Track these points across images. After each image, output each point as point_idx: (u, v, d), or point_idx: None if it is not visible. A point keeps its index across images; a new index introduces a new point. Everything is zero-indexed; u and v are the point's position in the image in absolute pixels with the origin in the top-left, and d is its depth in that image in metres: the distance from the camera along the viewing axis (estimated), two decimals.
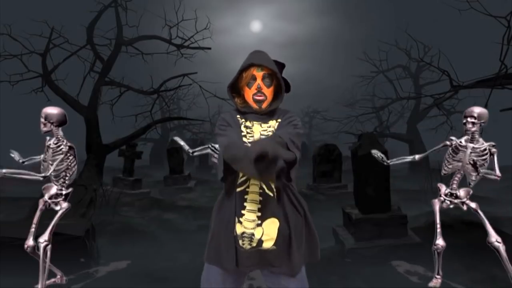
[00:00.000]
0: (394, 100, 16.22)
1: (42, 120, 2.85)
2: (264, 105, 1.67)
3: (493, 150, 2.84)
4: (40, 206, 2.92)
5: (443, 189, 3.04)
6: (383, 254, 4.43)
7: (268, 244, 1.51)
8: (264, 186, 1.54)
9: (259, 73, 1.63)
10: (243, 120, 1.67)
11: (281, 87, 1.71)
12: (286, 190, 1.60)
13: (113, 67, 9.68)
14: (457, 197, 2.95)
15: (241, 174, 1.57)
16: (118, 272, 4.26)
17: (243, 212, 1.52)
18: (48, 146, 2.91)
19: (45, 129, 2.86)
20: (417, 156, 3.20)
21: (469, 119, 2.81)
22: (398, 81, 15.08)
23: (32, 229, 2.84)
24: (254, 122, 1.65)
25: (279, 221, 1.53)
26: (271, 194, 1.54)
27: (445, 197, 2.98)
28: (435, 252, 2.87)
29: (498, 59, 5.67)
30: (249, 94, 1.66)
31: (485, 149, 2.83)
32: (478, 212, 2.82)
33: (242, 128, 1.63)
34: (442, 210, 3.00)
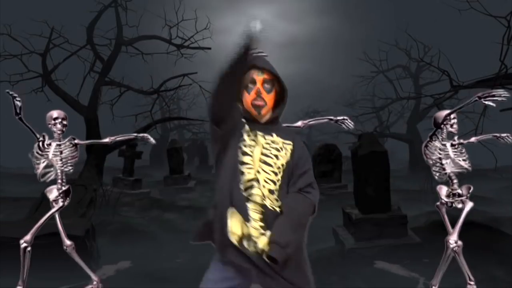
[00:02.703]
0: (394, 100, 16.22)
1: (65, 122, 2.99)
2: (263, 112, 1.57)
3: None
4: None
5: (443, 191, 3.02)
6: (383, 254, 4.43)
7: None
8: (265, 201, 1.48)
9: (259, 77, 1.55)
10: (249, 129, 1.57)
11: (282, 95, 1.62)
12: None
13: (113, 67, 9.68)
14: (460, 195, 2.95)
15: (246, 176, 1.50)
16: (118, 272, 4.26)
17: (250, 217, 1.46)
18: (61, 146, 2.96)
19: (64, 129, 2.99)
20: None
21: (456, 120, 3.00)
22: (398, 81, 15.14)
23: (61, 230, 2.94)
24: (258, 133, 1.56)
25: None
26: (273, 211, 1.49)
27: (446, 199, 2.97)
28: (455, 253, 2.77)
29: (498, 59, 5.67)
30: (247, 99, 1.57)
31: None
32: (462, 210, 2.83)
33: (245, 136, 1.54)
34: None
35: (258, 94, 1.55)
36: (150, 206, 8.16)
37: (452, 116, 2.99)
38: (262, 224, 1.46)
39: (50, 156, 2.94)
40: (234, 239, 1.46)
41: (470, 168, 2.93)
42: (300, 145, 1.63)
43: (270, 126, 1.61)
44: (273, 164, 1.52)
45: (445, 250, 2.78)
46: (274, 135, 1.58)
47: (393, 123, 18.31)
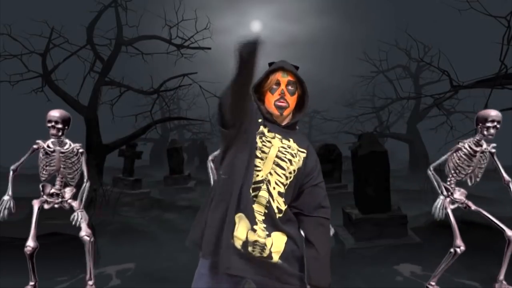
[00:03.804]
0: (394, 100, 16.21)
1: (60, 125, 2.84)
2: (285, 113, 1.59)
3: (493, 151, 2.85)
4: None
5: (458, 193, 2.98)
6: (383, 254, 4.43)
7: (275, 257, 1.47)
8: (270, 200, 1.49)
9: (284, 79, 1.58)
10: (265, 128, 1.58)
11: (303, 98, 1.64)
12: (291, 218, 1.56)
13: (113, 67, 9.70)
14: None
15: (255, 176, 1.50)
16: (118, 272, 4.26)
17: (256, 221, 1.46)
18: (63, 153, 2.92)
19: (60, 133, 2.86)
20: None
21: (496, 124, 2.71)
22: (398, 81, 15.10)
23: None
24: (276, 135, 1.58)
25: (286, 237, 1.50)
26: (275, 210, 1.50)
27: (455, 200, 2.96)
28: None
29: (498, 59, 5.68)
30: (270, 100, 1.58)
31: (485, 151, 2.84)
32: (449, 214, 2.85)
33: (257, 139, 1.54)
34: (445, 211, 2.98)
35: (281, 95, 1.57)
36: (150, 206, 8.16)
37: (491, 118, 2.72)
38: (265, 225, 1.47)
39: (58, 165, 2.93)
40: (238, 244, 1.44)
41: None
42: (313, 156, 1.65)
43: (288, 131, 1.63)
44: (286, 168, 1.53)
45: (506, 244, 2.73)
46: (291, 140, 1.61)
47: (393, 123, 18.29)
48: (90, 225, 2.89)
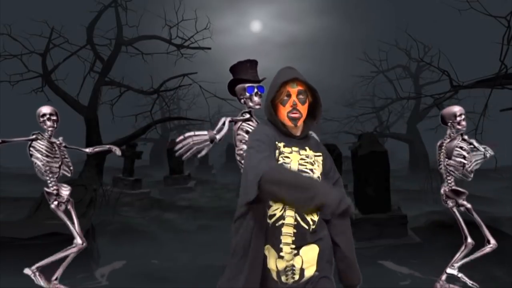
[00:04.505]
0: (394, 100, 16.22)
1: (55, 117, 2.89)
2: (299, 123, 1.57)
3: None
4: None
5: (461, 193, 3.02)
6: (383, 254, 4.43)
7: (310, 272, 1.45)
8: (298, 219, 1.45)
9: (293, 89, 1.54)
10: (281, 143, 1.55)
11: (315, 104, 1.61)
12: (322, 225, 1.54)
13: (113, 67, 9.71)
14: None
15: (273, 205, 1.46)
16: (118, 272, 4.26)
17: (281, 247, 1.43)
18: (59, 145, 2.94)
19: (55, 125, 2.91)
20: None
21: (464, 116, 2.94)
22: (398, 81, 15.11)
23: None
24: (293, 149, 1.56)
25: (318, 246, 1.48)
26: (306, 226, 1.46)
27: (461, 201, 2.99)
28: None
29: (498, 59, 5.68)
30: (283, 112, 1.55)
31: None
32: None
33: (276, 153, 1.51)
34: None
35: (293, 106, 1.54)
36: (150, 206, 8.16)
37: (459, 113, 2.94)
38: (293, 246, 1.44)
39: (60, 155, 2.93)
40: (274, 275, 1.44)
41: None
42: (328, 156, 1.65)
43: (303, 141, 1.61)
44: None
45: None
46: (307, 148, 1.60)
47: (393, 123, 18.31)
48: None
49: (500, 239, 2.82)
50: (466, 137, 2.99)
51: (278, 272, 1.44)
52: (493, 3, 5.96)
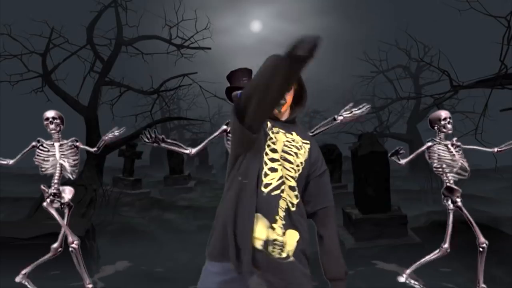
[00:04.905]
0: (394, 100, 16.22)
1: (58, 121, 3.03)
2: (283, 109, 1.61)
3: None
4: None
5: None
6: (383, 254, 4.43)
7: (291, 256, 1.45)
8: (290, 198, 1.49)
9: None
10: (271, 125, 1.59)
11: (300, 93, 1.64)
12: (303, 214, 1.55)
13: (113, 67, 9.69)
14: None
15: (270, 174, 1.48)
16: (118, 272, 4.26)
17: (276, 217, 1.44)
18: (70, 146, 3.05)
19: (58, 128, 3.03)
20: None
21: (449, 120, 3.13)
22: (398, 81, 15.11)
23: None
24: (280, 130, 1.60)
25: (298, 233, 1.48)
26: (293, 208, 1.49)
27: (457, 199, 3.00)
28: None
29: (498, 59, 5.67)
30: None
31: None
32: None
33: (269, 136, 1.55)
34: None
35: None
36: (150, 206, 8.16)
37: (443, 117, 3.13)
38: (284, 222, 1.46)
39: (58, 156, 2.96)
40: (259, 244, 1.42)
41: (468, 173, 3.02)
42: (316, 146, 1.66)
43: (290, 125, 1.64)
44: (293, 161, 1.54)
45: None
46: (294, 133, 1.62)
47: (393, 123, 18.30)
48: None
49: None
50: (455, 140, 3.19)
51: (266, 241, 1.43)
52: (493, 3, 5.96)
